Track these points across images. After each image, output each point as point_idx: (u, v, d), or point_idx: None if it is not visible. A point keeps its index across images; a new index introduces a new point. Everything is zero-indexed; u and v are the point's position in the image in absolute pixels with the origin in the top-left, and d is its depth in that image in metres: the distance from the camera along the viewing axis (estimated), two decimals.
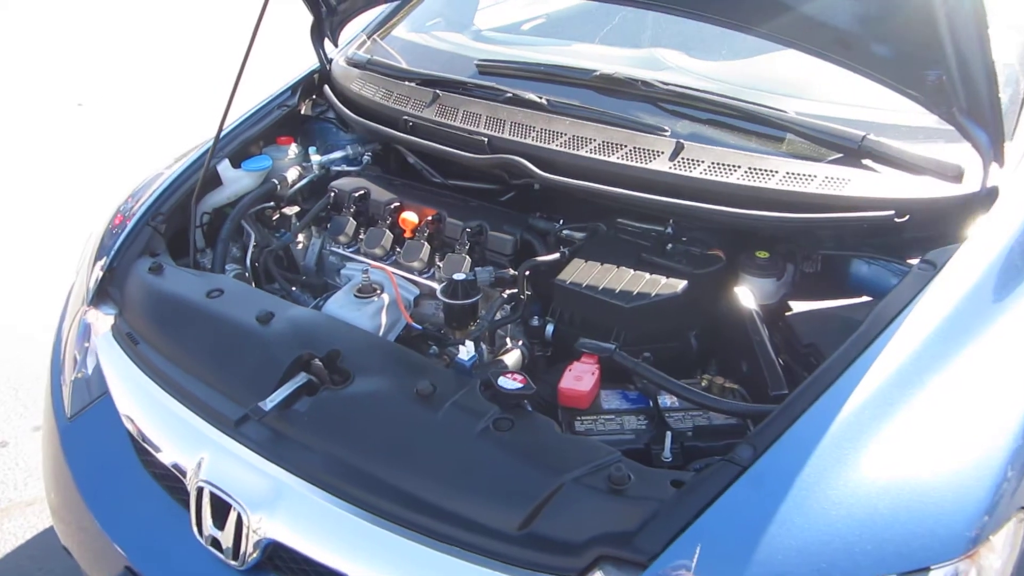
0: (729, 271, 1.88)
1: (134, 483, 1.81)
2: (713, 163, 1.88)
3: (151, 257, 2.13)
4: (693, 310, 1.83)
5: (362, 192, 2.26)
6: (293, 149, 2.52)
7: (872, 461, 1.33)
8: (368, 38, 2.82)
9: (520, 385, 1.56)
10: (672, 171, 1.89)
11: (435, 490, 1.48)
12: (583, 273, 1.87)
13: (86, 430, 1.94)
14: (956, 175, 1.76)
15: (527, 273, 1.92)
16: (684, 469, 1.48)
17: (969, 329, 1.50)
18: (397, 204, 2.20)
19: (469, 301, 1.90)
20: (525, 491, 1.41)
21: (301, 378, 1.68)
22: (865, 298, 1.73)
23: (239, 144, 2.42)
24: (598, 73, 2.21)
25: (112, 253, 2.14)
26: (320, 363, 1.68)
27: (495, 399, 1.57)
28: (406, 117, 2.28)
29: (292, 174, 2.43)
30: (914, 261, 1.71)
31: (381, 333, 1.96)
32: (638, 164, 1.93)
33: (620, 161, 1.95)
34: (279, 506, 1.54)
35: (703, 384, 1.66)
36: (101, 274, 2.11)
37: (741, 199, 1.82)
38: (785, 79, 2.25)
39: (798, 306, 1.89)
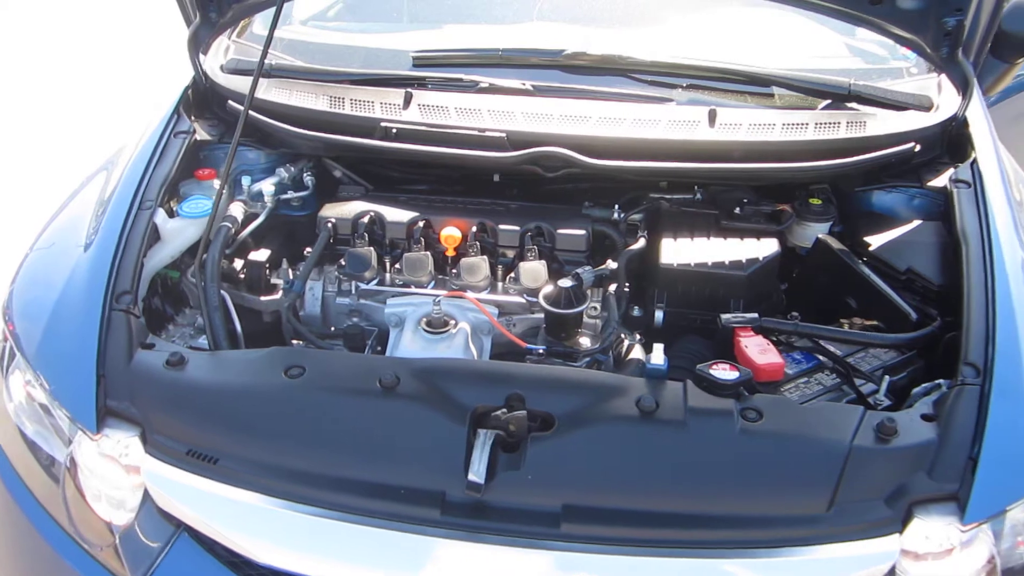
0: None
1: None
2: (752, 123, 1.97)
3: (146, 349, 1.61)
4: (780, 264, 1.92)
5: (370, 216, 1.94)
6: (219, 184, 2.05)
7: None
8: (229, 40, 2.36)
9: (737, 374, 1.53)
10: (718, 137, 1.94)
11: (729, 501, 1.40)
12: (682, 252, 1.85)
13: None
14: (929, 105, 2.07)
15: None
16: (899, 407, 1.58)
17: None
18: (424, 221, 1.93)
19: (581, 307, 1.77)
20: (817, 470, 1.41)
21: (488, 436, 1.45)
22: (916, 221, 1.97)
23: (162, 189, 1.90)
24: (569, 52, 2.15)
25: (95, 357, 1.57)
26: (507, 413, 1.45)
27: (713, 393, 1.51)
28: (385, 123, 1.99)
29: (237, 212, 1.98)
30: (935, 183, 2.00)
31: None
32: (683, 135, 1.95)
33: (663, 136, 1.95)
34: None
35: (846, 327, 1.77)
36: (89, 391, 1.54)
37: (784, 153, 1.94)
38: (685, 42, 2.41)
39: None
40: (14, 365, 1.72)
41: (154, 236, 1.85)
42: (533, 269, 1.84)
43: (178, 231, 1.89)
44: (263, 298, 1.92)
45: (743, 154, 1.93)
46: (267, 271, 1.94)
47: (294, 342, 1.83)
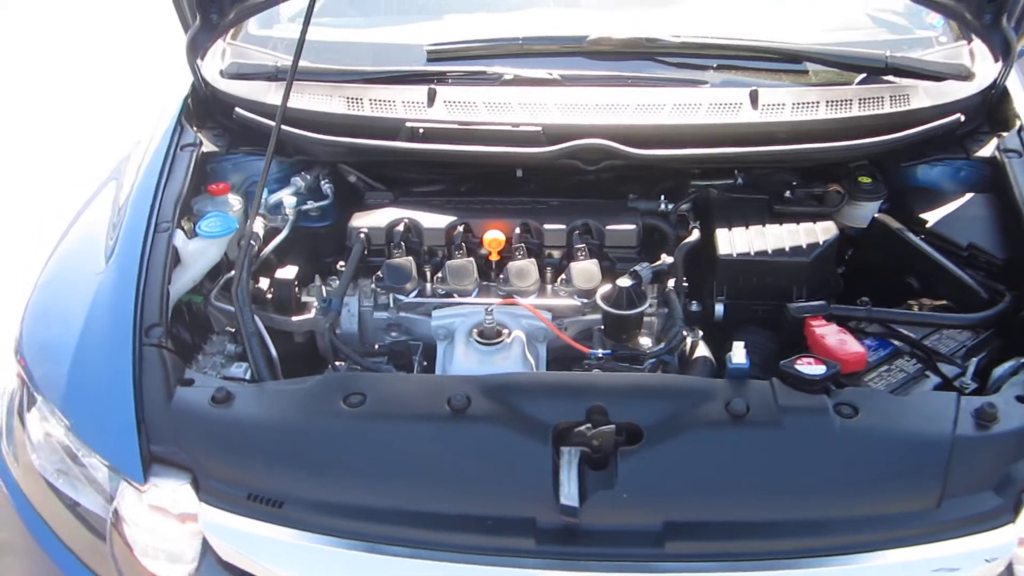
0: None
1: None
2: (795, 103, 1.89)
3: (186, 386, 1.48)
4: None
5: (405, 224, 1.82)
6: (235, 199, 1.91)
7: None
8: (225, 43, 2.21)
9: (824, 368, 1.45)
10: (764, 119, 1.86)
11: (836, 504, 1.33)
12: (739, 241, 1.76)
13: None
14: (967, 74, 2.01)
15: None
16: (982, 390, 1.52)
17: None
18: (464, 225, 1.82)
19: (643, 307, 1.68)
20: (923, 464, 1.34)
21: (573, 454, 1.35)
22: (968, 195, 1.91)
23: (177, 208, 1.76)
24: (592, 37, 2.05)
25: (131, 400, 1.43)
26: (591, 428, 1.36)
27: (800, 389, 1.43)
28: (411, 123, 1.87)
29: (258, 227, 1.84)
30: (981, 153, 1.94)
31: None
32: (727, 119, 1.86)
33: (707, 121, 1.86)
34: None
35: (916, 309, 1.71)
36: (130, 438, 1.40)
37: (831, 132, 1.86)
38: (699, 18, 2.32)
39: None
40: (34, 410, 1.58)
41: (174, 260, 1.71)
42: (586, 269, 1.74)
43: (199, 253, 1.75)
44: (295, 318, 1.80)
45: (788, 135, 1.85)
46: (296, 289, 1.81)
47: (338, 364, 1.70)
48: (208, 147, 1.98)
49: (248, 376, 1.62)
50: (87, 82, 5.26)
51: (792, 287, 1.74)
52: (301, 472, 1.36)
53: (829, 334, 1.58)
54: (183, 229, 1.77)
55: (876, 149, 1.86)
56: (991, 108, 2.00)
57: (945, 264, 1.73)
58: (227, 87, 2.04)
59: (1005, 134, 1.92)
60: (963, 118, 1.92)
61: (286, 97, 1.57)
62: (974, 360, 1.54)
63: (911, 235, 1.80)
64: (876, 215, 1.87)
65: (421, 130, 1.87)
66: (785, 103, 1.89)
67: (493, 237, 1.77)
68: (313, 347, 1.87)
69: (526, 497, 1.32)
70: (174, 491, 1.37)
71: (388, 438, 1.39)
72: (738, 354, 1.48)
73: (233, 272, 1.80)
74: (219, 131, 2.04)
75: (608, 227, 1.81)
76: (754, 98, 1.89)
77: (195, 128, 2.00)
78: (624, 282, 1.67)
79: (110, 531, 1.42)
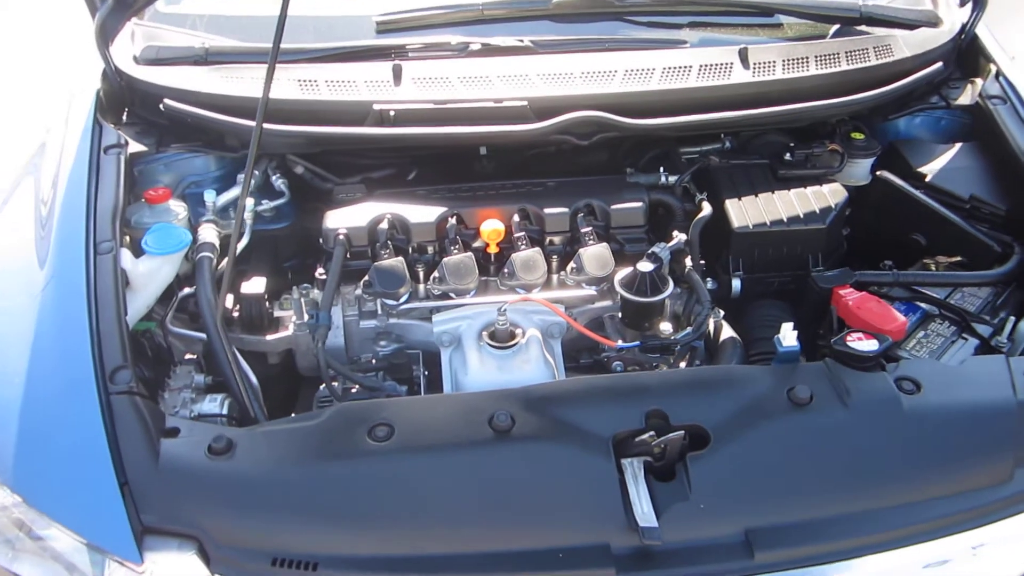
0: None
1: None
2: (785, 60, 1.79)
3: (171, 438, 1.24)
4: None
5: (389, 220, 1.61)
6: (178, 205, 1.64)
7: None
8: (133, 24, 1.89)
9: (876, 344, 1.36)
10: (758, 79, 1.75)
11: (915, 487, 1.25)
12: (751, 211, 1.65)
13: None
14: (936, 21, 1.97)
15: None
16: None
17: None
18: (455, 216, 1.62)
19: (667, 292, 1.54)
20: (994, 436, 1.29)
21: (637, 466, 1.22)
22: (957, 144, 1.87)
23: (116, 223, 1.48)
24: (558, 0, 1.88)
25: (109, 462, 1.18)
26: (655, 436, 1.22)
27: (853, 367, 1.35)
28: (379, 106, 1.65)
29: (211, 237, 1.59)
30: (963, 101, 1.91)
31: (557, 375, 1.49)
32: (721, 81, 1.74)
33: (700, 84, 1.73)
34: None
35: (933, 268, 1.66)
36: (115, 508, 1.16)
37: (822, 88, 1.78)
38: None
39: None
40: None
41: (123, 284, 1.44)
42: (598, 255, 1.59)
43: (151, 273, 1.49)
44: (269, 337, 1.57)
45: (782, 94, 1.76)
46: (267, 304, 1.58)
47: (331, 385, 1.49)
48: (135, 146, 1.69)
49: (226, 409, 1.41)
50: None
51: (808, 255, 1.66)
52: (334, 525, 1.16)
53: (864, 303, 1.50)
54: (128, 247, 1.49)
55: (872, 103, 1.79)
56: (960, 54, 1.97)
57: (952, 218, 1.69)
58: (147, 75, 1.75)
59: (979, 80, 1.90)
60: (942, 66, 1.89)
61: (267, 89, 1.30)
62: (1011, 318, 1.50)
63: (914, 190, 1.74)
64: (880, 173, 1.80)
65: (392, 112, 1.65)
66: (775, 61, 1.79)
67: (492, 228, 1.58)
68: (288, 368, 1.65)
69: (596, 521, 1.18)
70: (179, 567, 1.14)
71: (429, 473, 1.20)
72: (788, 336, 1.37)
73: (188, 290, 1.58)
74: (142, 127, 1.75)
75: (613, 206, 1.66)
76: (744, 57, 1.78)
77: (114, 125, 1.71)
78: (644, 266, 1.53)
79: None
